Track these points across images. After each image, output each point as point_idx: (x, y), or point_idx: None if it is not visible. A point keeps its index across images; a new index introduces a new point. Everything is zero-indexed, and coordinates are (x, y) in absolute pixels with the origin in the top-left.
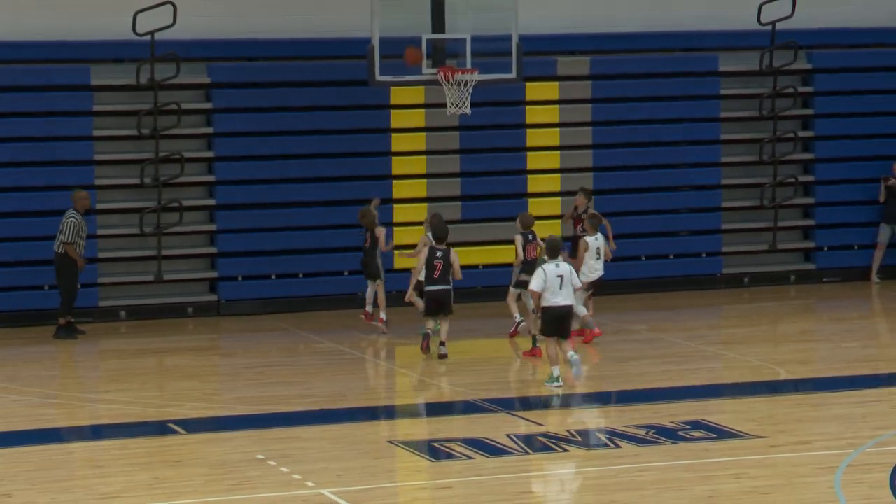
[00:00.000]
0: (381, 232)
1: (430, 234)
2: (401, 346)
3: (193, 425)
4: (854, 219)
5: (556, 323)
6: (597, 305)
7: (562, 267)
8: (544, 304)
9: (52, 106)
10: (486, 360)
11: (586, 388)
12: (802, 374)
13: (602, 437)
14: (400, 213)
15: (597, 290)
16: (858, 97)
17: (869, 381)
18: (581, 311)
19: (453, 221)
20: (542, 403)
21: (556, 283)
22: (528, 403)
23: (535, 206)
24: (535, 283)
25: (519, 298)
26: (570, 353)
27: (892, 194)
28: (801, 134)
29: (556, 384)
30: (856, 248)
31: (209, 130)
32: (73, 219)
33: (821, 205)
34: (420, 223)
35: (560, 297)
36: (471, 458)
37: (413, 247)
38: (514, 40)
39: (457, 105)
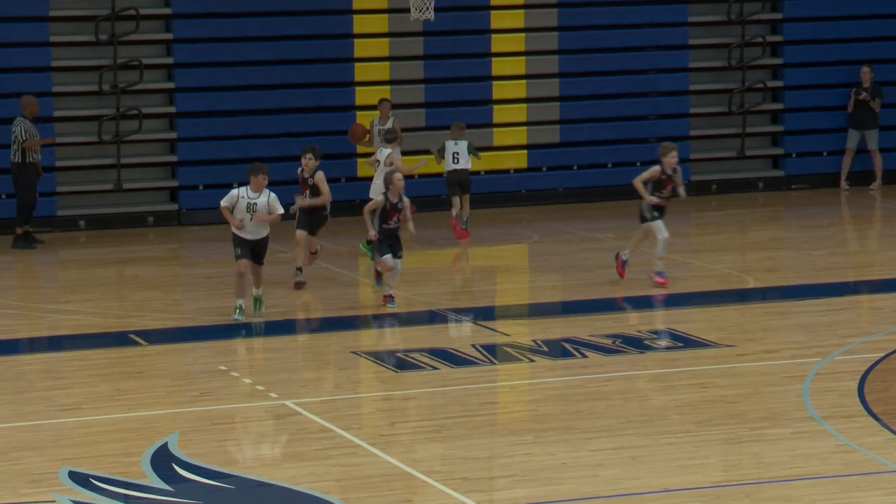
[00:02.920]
0: None
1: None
2: (365, 256)
3: (155, 336)
4: (823, 125)
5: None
6: (563, 213)
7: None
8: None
9: (7, 11)
10: (451, 271)
11: (551, 297)
12: (771, 282)
13: (568, 346)
14: None
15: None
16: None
17: (837, 288)
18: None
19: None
20: (508, 314)
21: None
22: (493, 313)
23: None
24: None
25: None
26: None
27: (861, 103)
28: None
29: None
30: (825, 154)
31: (168, 36)
32: (22, 125)
33: (789, 111)
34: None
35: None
36: (435, 368)
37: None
38: None
39: (419, 10)
